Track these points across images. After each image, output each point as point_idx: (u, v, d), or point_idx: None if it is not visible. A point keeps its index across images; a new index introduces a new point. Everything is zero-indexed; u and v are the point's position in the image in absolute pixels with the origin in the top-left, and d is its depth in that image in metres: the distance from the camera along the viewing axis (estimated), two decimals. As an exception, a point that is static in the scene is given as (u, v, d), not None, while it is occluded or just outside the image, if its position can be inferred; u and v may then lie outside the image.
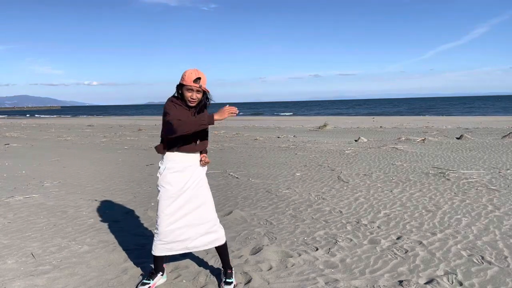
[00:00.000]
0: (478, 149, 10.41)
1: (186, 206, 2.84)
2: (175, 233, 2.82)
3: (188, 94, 2.74)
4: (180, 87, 2.77)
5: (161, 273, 3.03)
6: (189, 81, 2.71)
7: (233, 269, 3.10)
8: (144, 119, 42.95)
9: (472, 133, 15.31)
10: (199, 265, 3.36)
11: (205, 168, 3.00)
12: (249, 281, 3.04)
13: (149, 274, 3.01)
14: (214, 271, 3.24)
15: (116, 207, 5.33)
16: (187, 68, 2.80)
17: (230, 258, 3.40)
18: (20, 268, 3.33)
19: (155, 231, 2.87)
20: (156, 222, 2.85)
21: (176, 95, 2.82)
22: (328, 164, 8.56)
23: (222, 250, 3.03)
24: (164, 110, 2.73)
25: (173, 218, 2.81)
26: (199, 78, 2.72)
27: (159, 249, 2.86)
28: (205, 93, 2.82)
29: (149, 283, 2.95)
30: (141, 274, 3.20)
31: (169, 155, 2.83)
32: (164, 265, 3.13)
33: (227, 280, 2.98)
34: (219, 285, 3.01)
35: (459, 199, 5.35)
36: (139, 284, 2.95)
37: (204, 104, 2.86)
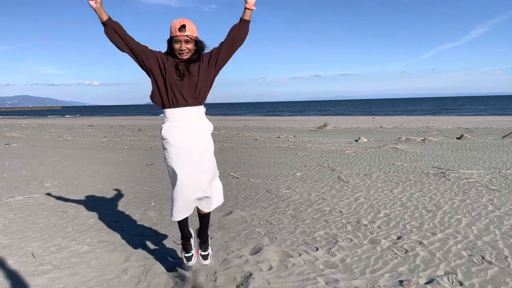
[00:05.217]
0: (478, 149, 10.40)
1: (192, 161, 2.69)
2: (187, 190, 2.71)
3: (176, 46, 2.44)
4: (169, 41, 2.49)
5: (192, 236, 2.95)
6: (174, 31, 2.41)
7: (209, 238, 3.07)
8: (144, 119, 42.93)
9: (472, 133, 15.30)
10: (199, 265, 3.36)
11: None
12: (249, 281, 3.04)
13: (183, 247, 2.92)
14: (215, 271, 3.24)
15: (117, 207, 5.34)
16: None
17: (230, 257, 3.41)
18: (20, 268, 3.33)
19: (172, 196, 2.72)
20: (173, 188, 2.70)
21: (167, 51, 2.55)
22: (328, 164, 8.56)
23: (208, 218, 2.96)
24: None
25: (184, 177, 2.66)
26: (183, 26, 2.39)
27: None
28: (197, 43, 2.51)
29: (191, 253, 2.89)
30: (177, 259, 3.18)
31: (167, 111, 2.59)
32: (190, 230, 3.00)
33: (204, 253, 3.01)
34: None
35: (459, 199, 5.35)
36: (184, 259, 2.87)
37: (199, 57, 2.53)
